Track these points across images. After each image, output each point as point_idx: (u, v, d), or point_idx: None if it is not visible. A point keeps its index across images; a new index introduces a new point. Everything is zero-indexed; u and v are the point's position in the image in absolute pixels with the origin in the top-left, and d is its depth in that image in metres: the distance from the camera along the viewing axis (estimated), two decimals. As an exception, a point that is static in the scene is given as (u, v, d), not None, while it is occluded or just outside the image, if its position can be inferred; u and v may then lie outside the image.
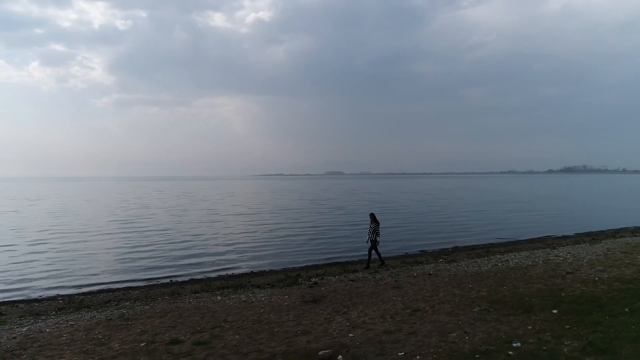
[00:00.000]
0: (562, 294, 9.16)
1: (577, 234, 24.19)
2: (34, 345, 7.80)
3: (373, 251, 15.75)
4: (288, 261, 18.17)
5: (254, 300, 10.87)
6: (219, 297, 11.42)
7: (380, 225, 15.79)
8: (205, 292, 12.49)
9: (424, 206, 47.58)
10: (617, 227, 25.84)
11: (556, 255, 15.50)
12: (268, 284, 13.16)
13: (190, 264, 17.63)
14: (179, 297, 11.98)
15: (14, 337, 8.40)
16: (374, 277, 13.34)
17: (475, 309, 8.32)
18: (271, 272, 16.13)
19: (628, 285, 9.82)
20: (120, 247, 21.54)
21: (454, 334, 6.97)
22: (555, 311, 7.78)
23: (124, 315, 9.85)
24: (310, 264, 17.61)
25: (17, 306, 11.97)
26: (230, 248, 21.32)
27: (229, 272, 16.17)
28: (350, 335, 7.28)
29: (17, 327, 9.23)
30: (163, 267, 17.09)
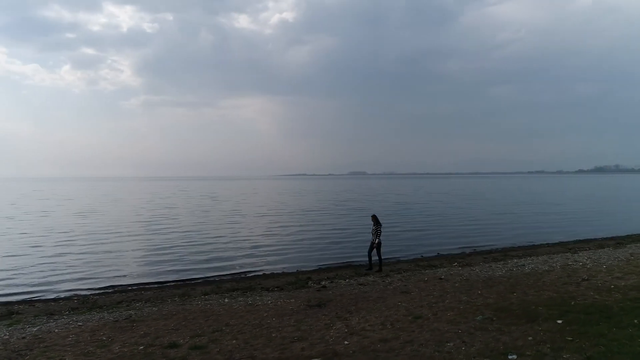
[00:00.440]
0: (572, 303, 8.86)
1: (603, 238, 23.37)
2: (40, 345, 8.03)
3: (374, 253, 15.56)
4: (304, 263, 18.16)
5: (259, 303, 10.91)
6: (226, 300, 11.51)
7: (382, 227, 15.53)
8: (215, 294, 12.61)
9: (448, 207, 46.76)
10: (647, 231, 24.87)
11: (575, 261, 15.04)
12: (277, 287, 13.19)
13: (206, 266, 17.81)
14: (188, 299, 12.14)
15: (24, 337, 8.67)
16: (383, 281, 13.22)
17: (478, 318, 8.12)
18: (283, 274, 16.16)
19: (644, 294, 9.43)
20: (140, 248, 21.95)
21: (451, 344, 6.82)
22: (560, 321, 7.52)
23: (131, 316, 10.04)
24: (324, 266, 17.57)
25: (34, 305, 12.34)
26: (247, 250, 21.45)
27: (242, 274, 16.29)
28: (346, 342, 7.22)
29: (28, 327, 9.51)
30: (179, 268, 17.31)
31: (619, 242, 20.23)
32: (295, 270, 16.85)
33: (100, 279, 15.67)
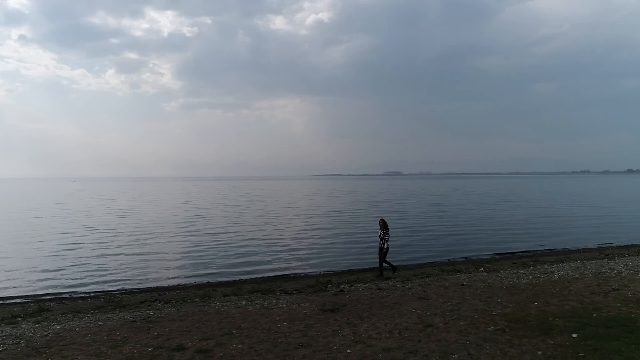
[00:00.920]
0: (594, 315, 8.41)
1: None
2: (60, 344, 8.37)
3: (386, 258, 15.30)
4: (329, 266, 18.11)
5: (274, 306, 10.97)
6: (243, 302, 11.63)
7: (389, 232, 15.25)
8: (234, 295, 12.79)
9: (484, 209, 45.37)
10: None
11: (610, 268, 14.31)
12: (296, 290, 13.23)
13: (232, 267, 18.11)
14: (208, 300, 12.35)
15: (46, 335, 9.07)
16: (403, 285, 13.01)
17: (489, 328, 7.85)
18: (305, 276, 16.20)
19: (676, 307, 8.84)
20: (172, 249, 22.49)
21: (456, 356, 6.62)
22: (575, 335, 7.16)
23: (148, 317, 10.31)
24: (350, 269, 17.46)
25: (64, 303, 12.90)
26: (275, 251, 21.58)
27: (265, 276, 16.43)
28: (348, 351, 7.14)
29: (53, 325, 9.94)
30: (205, 269, 17.67)
31: (662, 248, 19.11)
32: (318, 273, 16.85)
33: (128, 279, 16.20)
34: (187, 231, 29.09)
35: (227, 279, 16.03)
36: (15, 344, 8.53)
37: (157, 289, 14.72)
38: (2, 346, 8.40)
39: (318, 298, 11.82)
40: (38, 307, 12.18)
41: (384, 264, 15.27)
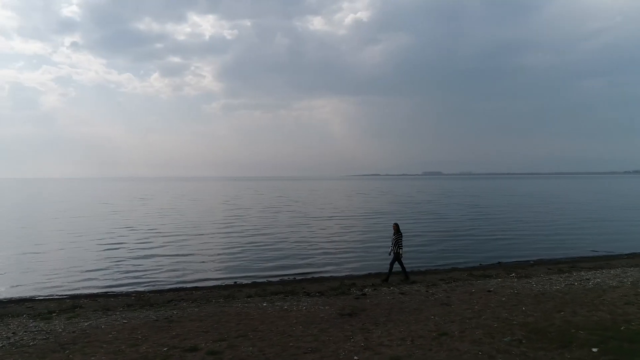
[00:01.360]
0: (622, 328, 7.95)
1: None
2: (84, 340, 8.76)
3: (396, 264, 14.94)
4: (358, 268, 18.00)
5: (294, 309, 11.02)
6: (264, 304, 11.75)
7: (402, 237, 14.94)
8: (258, 296, 12.94)
9: (526, 211, 43.49)
10: None
11: (653, 276, 13.46)
12: (319, 292, 13.22)
13: (261, 267, 18.35)
14: (231, 300, 12.54)
15: (74, 331, 9.50)
16: (427, 290, 12.77)
17: (505, 339, 7.57)
18: (330, 278, 16.17)
19: None
20: (207, 249, 22.99)
21: (465, 367, 6.43)
22: (595, 349, 6.79)
23: (171, 316, 10.60)
24: (375, 271, 17.28)
25: (97, 300, 13.46)
26: (307, 252, 21.65)
27: (291, 277, 16.55)
28: (355, 358, 7.09)
29: (82, 322, 10.40)
30: (235, 269, 17.98)
31: None
32: (344, 275, 16.79)
33: (161, 279, 16.70)
34: (223, 232, 29.65)
35: (255, 280, 16.23)
36: (44, 339, 9.00)
37: (185, 288, 15.11)
38: (33, 341, 8.88)
39: (339, 301, 11.78)
40: (72, 303, 12.77)
41: (401, 269, 14.98)
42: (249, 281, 16.03)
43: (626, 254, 19.60)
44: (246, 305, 11.74)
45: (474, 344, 7.45)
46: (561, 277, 14.06)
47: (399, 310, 10.48)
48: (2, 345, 8.58)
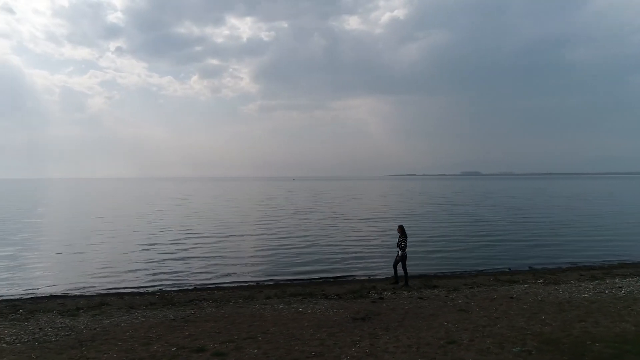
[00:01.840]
0: (645, 341, 7.49)
1: None
2: (102, 338, 9.12)
3: (400, 267, 14.56)
4: (383, 271, 17.83)
5: (308, 312, 11.05)
6: (281, 306, 11.84)
7: (408, 239, 14.50)
8: (276, 298, 13.04)
9: (569, 214, 41.31)
10: None
11: (692, 286, 12.64)
12: (337, 295, 13.20)
13: (286, 268, 18.49)
14: (250, 301, 12.69)
15: (94, 329, 9.91)
16: (446, 296, 12.53)
17: (515, 349, 7.31)
18: (352, 281, 16.11)
19: None
20: (239, 250, 23.24)
21: (466, 377, 6.25)
22: (607, 363, 6.43)
23: (188, 316, 10.87)
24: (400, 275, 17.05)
25: (123, 298, 13.95)
26: (335, 254, 21.56)
27: (313, 278, 16.60)
28: (356, 364, 7.02)
29: (104, 319, 10.83)
30: (260, 270, 18.22)
31: None
32: (367, 278, 16.68)
33: (187, 278, 17.07)
34: (254, 233, 29.95)
35: (277, 281, 16.38)
36: (66, 335, 9.43)
37: (208, 288, 15.43)
38: (56, 337, 9.33)
39: (355, 305, 11.73)
40: (100, 301, 13.30)
41: (404, 273, 14.61)
42: (271, 282, 16.21)
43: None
44: (263, 306, 11.86)
45: (481, 353, 7.24)
46: (592, 285, 13.43)
47: (413, 316, 10.32)
48: (27, 341, 9.06)
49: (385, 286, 14.41)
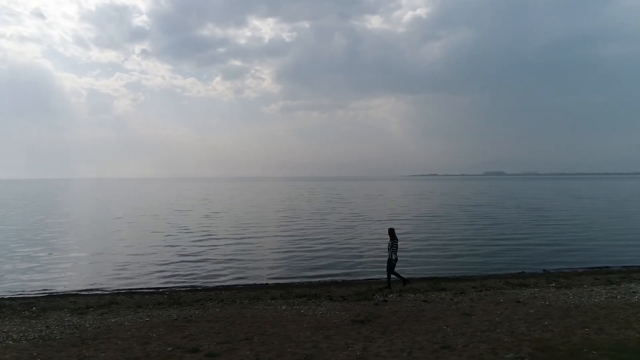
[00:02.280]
0: (645, 349, 7.22)
1: None
2: (104, 336, 9.32)
3: (394, 269, 14.32)
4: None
5: (310, 313, 11.06)
6: (283, 307, 11.88)
7: (398, 242, 14.27)
8: (281, 299, 13.08)
9: (594, 216, 40.13)
10: None
11: None
12: (341, 297, 13.16)
13: (296, 270, 18.57)
14: (255, 302, 12.77)
15: (99, 327, 10.14)
16: (451, 299, 12.34)
17: (508, 355, 7.16)
18: (360, 283, 16.08)
19: None
20: (254, 251, 23.42)
21: (452, 383, 6.15)
22: (600, 372, 6.23)
23: (191, 316, 11.01)
24: (409, 276, 16.87)
25: (132, 297, 14.23)
26: (347, 256, 21.56)
27: (321, 280, 16.61)
28: (344, 367, 6.99)
29: (110, 318, 11.07)
30: (274, 272, 18.31)
31: None
32: (374, 280, 16.60)
33: (198, 279, 17.29)
34: (271, 235, 29.97)
35: (285, 282, 16.44)
36: (71, 333, 9.68)
37: (216, 288, 15.62)
38: (61, 335, 9.59)
39: (357, 307, 11.68)
40: (110, 300, 13.62)
41: (393, 276, 14.36)
42: (278, 283, 16.28)
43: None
44: (266, 307, 11.92)
45: (472, 359, 7.11)
46: (605, 289, 13.01)
47: (414, 319, 10.21)
48: (33, 338, 9.34)
49: (393, 288, 14.30)
